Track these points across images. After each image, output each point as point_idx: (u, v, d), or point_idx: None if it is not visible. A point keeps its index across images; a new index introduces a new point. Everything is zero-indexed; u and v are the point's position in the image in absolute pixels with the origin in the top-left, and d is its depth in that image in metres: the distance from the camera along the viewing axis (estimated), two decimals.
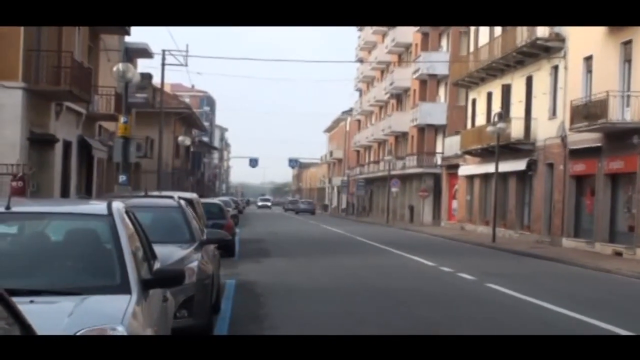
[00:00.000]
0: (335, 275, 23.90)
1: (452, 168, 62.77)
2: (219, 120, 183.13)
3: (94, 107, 38.95)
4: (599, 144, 37.01)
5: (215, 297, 14.35)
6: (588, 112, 36.30)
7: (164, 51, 55.62)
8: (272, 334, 13.22)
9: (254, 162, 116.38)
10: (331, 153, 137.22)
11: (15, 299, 4.65)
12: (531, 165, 45.51)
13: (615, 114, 34.66)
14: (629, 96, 34.69)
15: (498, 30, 50.60)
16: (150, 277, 7.14)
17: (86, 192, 38.41)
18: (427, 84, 74.66)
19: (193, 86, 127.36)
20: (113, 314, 5.97)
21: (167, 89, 71.83)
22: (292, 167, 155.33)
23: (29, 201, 11.36)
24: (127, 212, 7.78)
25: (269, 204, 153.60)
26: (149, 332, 6.31)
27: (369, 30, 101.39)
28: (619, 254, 34.57)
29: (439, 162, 69.72)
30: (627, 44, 35.06)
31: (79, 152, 37.57)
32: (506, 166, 46.46)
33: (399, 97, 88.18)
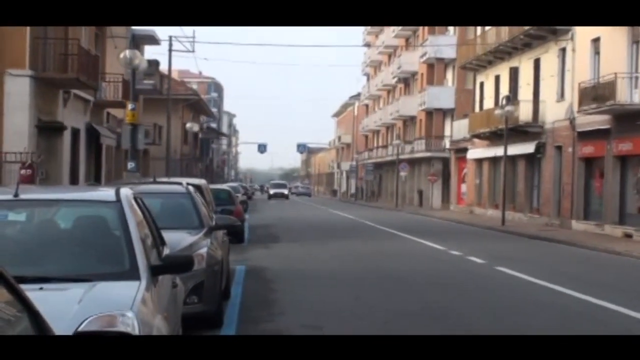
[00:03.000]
0: (344, 260, 23.91)
1: (461, 152, 62.69)
2: (227, 106, 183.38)
3: (102, 94, 38.96)
4: (607, 126, 36.92)
5: (225, 283, 14.36)
6: (596, 94, 36.21)
7: (170, 37, 55.70)
8: (282, 320, 13.25)
9: (262, 148, 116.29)
10: (339, 138, 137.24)
11: (24, 286, 4.64)
12: (540, 148, 45.44)
13: (624, 95, 34.55)
14: (637, 77, 34.59)
15: None
16: (160, 263, 7.13)
17: (95, 179, 38.46)
18: (435, 68, 74.52)
19: (200, 72, 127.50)
20: (122, 300, 5.97)
21: (174, 75, 71.81)
22: (301, 153, 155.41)
23: (37, 188, 11.38)
24: (135, 199, 7.77)
25: (285, 191, 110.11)
26: (158, 318, 6.30)
27: None
28: (628, 235, 34.52)
29: (448, 145, 69.62)
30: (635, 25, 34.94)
31: (87, 140, 37.60)
32: (515, 149, 46.38)
33: (407, 81, 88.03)
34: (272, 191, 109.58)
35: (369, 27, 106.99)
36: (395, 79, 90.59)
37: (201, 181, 20.74)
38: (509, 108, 43.85)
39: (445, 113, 73.12)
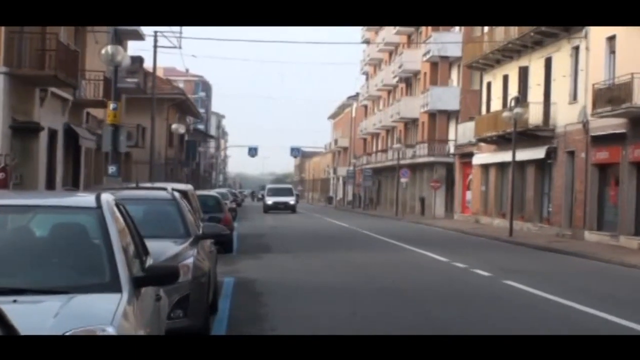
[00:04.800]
0: (340, 272, 23.91)
1: (466, 157, 62.73)
2: (216, 106, 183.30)
3: (81, 93, 38.93)
4: (623, 130, 36.95)
5: (212, 296, 14.34)
6: (611, 95, 36.25)
7: (156, 32, 55.62)
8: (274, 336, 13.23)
9: (253, 152, 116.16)
10: (336, 141, 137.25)
11: None
12: (551, 153, 45.47)
13: None
14: None
15: None
16: (142, 274, 7.12)
17: (73, 184, 38.41)
18: (439, 67, 74.57)
19: (187, 70, 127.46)
20: (102, 314, 5.96)
21: (159, 73, 71.76)
22: (294, 157, 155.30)
23: (11, 193, 11.37)
24: (117, 205, 7.77)
25: (291, 200, 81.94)
26: (140, 333, 6.29)
27: None
28: None
29: (452, 150, 69.67)
30: None
31: (65, 141, 37.56)
32: (524, 154, 46.41)
33: (409, 81, 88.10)
34: (270, 200, 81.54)
35: None
36: (396, 79, 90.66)
37: (187, 187, 20.76)
38: (518, 110, 43.86)
39: (449, 115, 73.15)
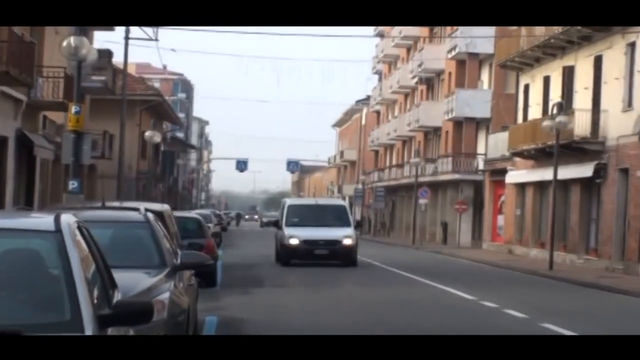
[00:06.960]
0: (345, 312, 23.95)
1: (498, 174, 62.75)
2: (198, 110, 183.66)
3: (38, 93, 38.98)
4: None
5: None
6: None
7: None
8: None
9: (242, 165, 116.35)
10: (342, 154, 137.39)
11: None
12: (600, 171, 45.46)
13: None
14: None
15: None
16: (109, 312, 7.13)
17: (26, 202, 38.44)
18: (467, 66, 74.66)
19: (165, 67, 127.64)
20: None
21: (131, 70, 71.96)
22: (291, 172, 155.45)
23: None
24: (79, 228, 7.77)
25: (346, 239, 43.17)
26: None
27: None
28: None
29: (481, 166, 69.69)
30: None
31: (17, 151, 37.59)
32: (568, 172, 46.40)
33: (430, 83, 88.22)
34: (294, 237, 43.49)
35: None
36: (415, 80, 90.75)
37: (163, 207, 20.78)
38: (561, 119, 43.87)
39: (478, 124, 73.23)
